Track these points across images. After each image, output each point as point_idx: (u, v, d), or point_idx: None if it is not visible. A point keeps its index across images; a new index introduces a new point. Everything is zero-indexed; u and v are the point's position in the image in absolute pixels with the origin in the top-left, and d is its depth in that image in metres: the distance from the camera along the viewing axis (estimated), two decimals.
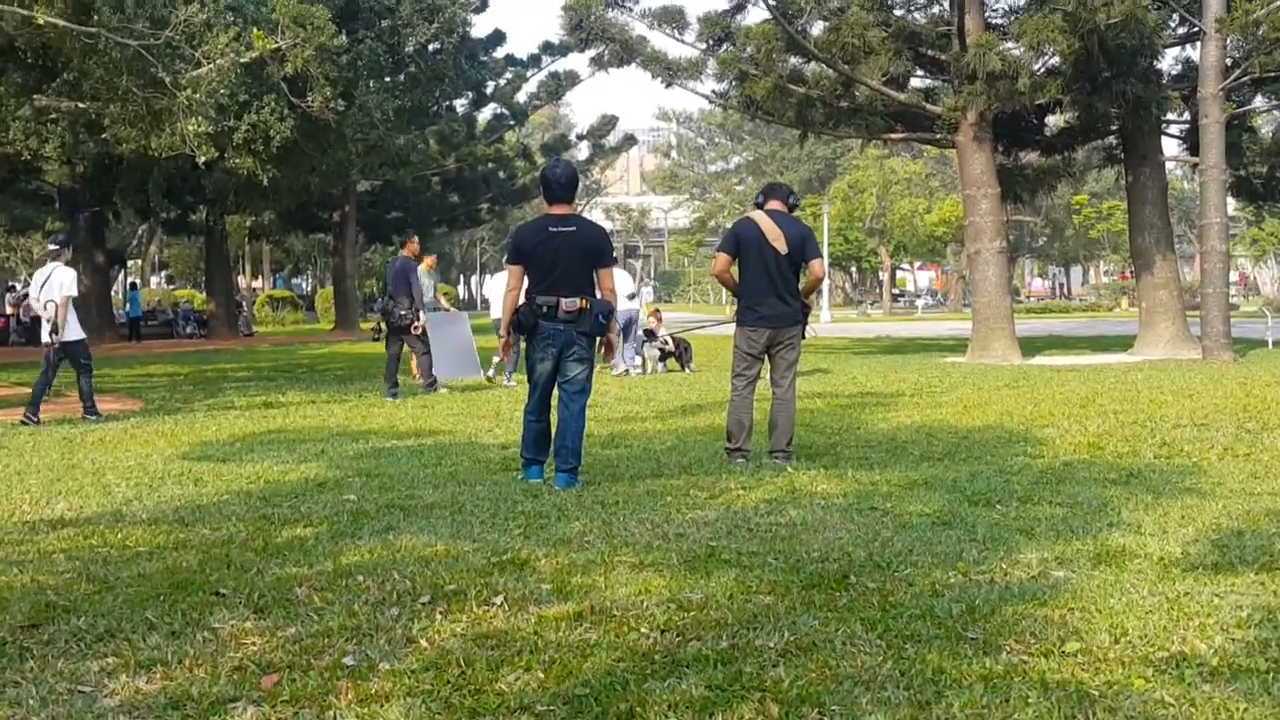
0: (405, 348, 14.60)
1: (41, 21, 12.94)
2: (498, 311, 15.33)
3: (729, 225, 8.86)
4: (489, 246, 79.27)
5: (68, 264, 13.17)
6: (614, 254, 7.55)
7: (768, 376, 8.19)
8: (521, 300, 7.25)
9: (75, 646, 3.96)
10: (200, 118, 14.68)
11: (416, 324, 14.06)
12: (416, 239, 15.19)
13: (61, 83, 15.57)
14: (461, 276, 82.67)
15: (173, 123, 14.67)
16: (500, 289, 15.26)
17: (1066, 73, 18.68)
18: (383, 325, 14.68)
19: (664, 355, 17.79)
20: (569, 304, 7.06)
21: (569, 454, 7.15)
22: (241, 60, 14.76)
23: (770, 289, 7.88)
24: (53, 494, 7.30)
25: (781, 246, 7.80)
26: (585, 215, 7.62)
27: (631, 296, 16.78)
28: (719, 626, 4.00)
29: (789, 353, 8.04)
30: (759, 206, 8.12)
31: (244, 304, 45.73)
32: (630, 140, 53.31)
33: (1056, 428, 9.51)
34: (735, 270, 8.07)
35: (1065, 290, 74.66)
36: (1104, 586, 4.45)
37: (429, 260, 17.98)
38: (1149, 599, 4.26)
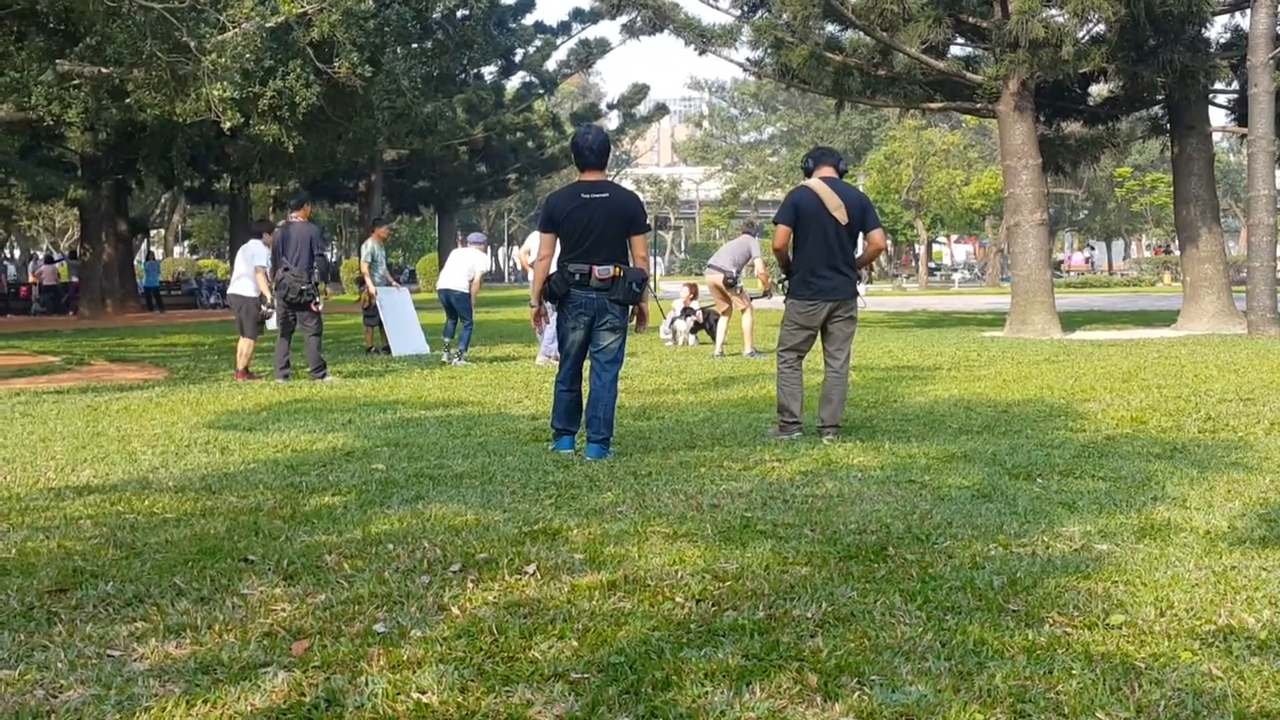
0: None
1: None
2: (459, 284, 15.01)
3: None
4: (517, 218, 79.29)
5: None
6: (648, 220, 7.45)
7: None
8: (553, 268, 7.19)
9: (103, 611, 3.93)
10: (225, 83, 14.64)
11: (317, 301, 12.77)
12: (308, 206, 13.53)
13: (84, 47, 15.53)
14: (490, 248, 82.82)
15: (197, 88, 14.64)
16: (462, 265, 15.14)
17: (1111, 40, 18.37)
18: (271, 300, 13.04)
19: (696, 327, 17.69)
20: (602, 271, 6.97)
21: (601, 424, 7.08)
22: (267, 25, 14.70)
23: (829, 261, 7.59)
24: (78, 461, 7.30)
25: (842, 216, 7.53)
26: (615, 183, 7.51)
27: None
28: (755, 597, 3.93)
29: (846, 326, 7.76)
30: (807, 173, 7.84)
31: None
32: (661, 110, 53.13)
33: (1098, 402, 9.37)
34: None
35: (1108, 265, 73.79)
36: (1149, 560, 4.35)
37: (381, 232, 17.98)
38: (1195, 573, 4.17)
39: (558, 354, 14.28)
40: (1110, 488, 5.77)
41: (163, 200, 52.46)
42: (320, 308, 12.82)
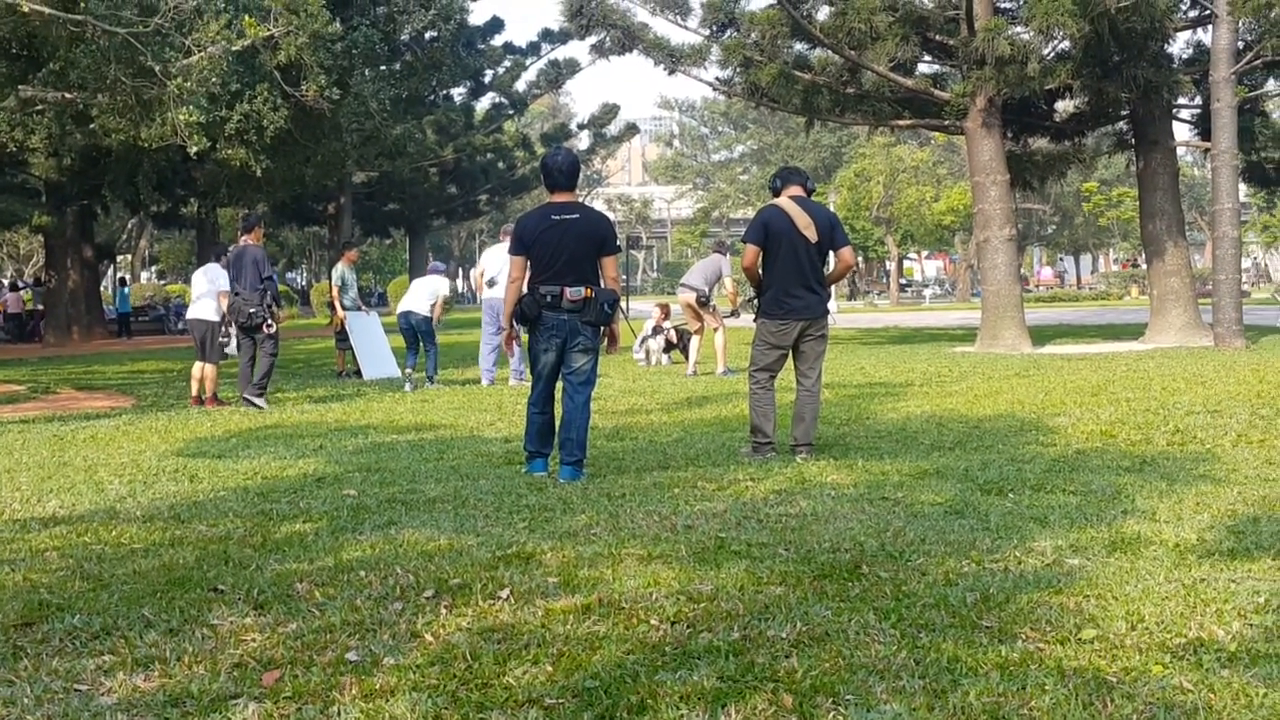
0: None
1: (26, 9, 12.76)
2: (420, 306, 14.93)
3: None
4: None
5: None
6: (619, 241, 7.45)
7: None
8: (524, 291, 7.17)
9: (70, 645, 3.88)
10: (191, 107, 14.53)
11: (270, 323, 12.54)
12: (259, 229, 13.07)
13: (48, 72, 15.40)
14: (460, 270, 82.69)
15: (163, 113, 14.54)
16: (424, 289, 15.08)
17: (1076, 57, 18.55)
18: (229, 328, 12.90)
19: (669, 346, 17.69)
20: (573, 293, 6.96)
21: (574, 446, 7.06)
22: (233, 48, 14.61)
23: (800, 279, 7.61)
24: (44, 491, 7.22)
25: (812, 235, 7.56)
26: (585, 204, 7.50)
27: (492, 284, 14.78)
28: (730, 618, 3.92)
29: (818, 345, 7.79)
30: (775, 192, 7.87)
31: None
32: (632, 129, 53.17)
33: (1068, 416, 9.42)
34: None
35: (1076, 279, 74.31)
36: (1119, 573, 4.37)
37: (351, 255, 17.93)
38: (1165, 585, 4.19)
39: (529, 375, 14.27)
40: (1081, 502, 5.81)
41: (129, 225, 52.12)
42: (274, 329, 12.61)
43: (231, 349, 13.19)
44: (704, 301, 15.54)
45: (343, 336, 17.36)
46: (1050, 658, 3.46)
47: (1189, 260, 21.22)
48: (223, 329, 12.97)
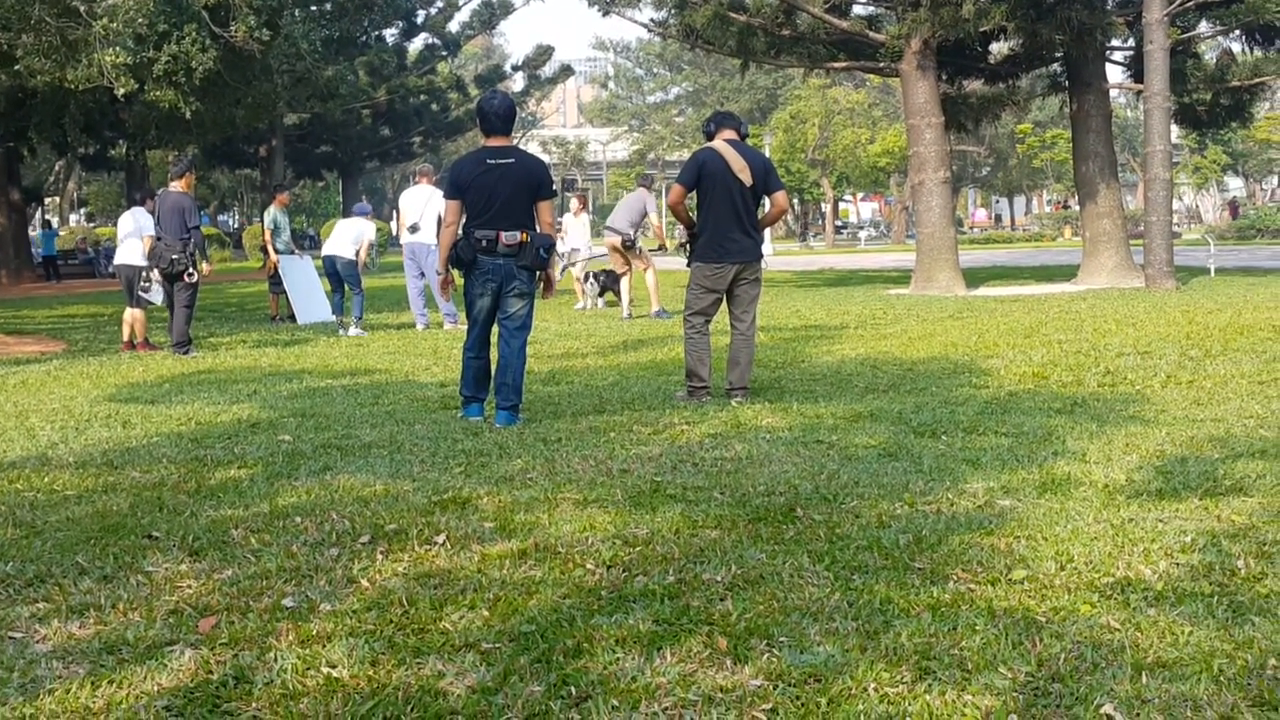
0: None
1: None
2: (344, 250, 14.48)
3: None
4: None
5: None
6: (553, 186, 7.40)
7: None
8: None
9: (4, 592, 3.85)
10: (118, 48, 14.23)
11: (191, 271, 12.11)
12: (190, 175, 12.57)
13: None
14: (395, 213, 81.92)
15: (89, 54, 14.21)
16: (349, 232, 14.62)
17: None
18: (149, 274, 12.60)
19: (602, 290, 17.57)
20: (509, 238, 6.91)
21: (510, 391, 7.05)
22: None
23: (736, 222, 7.61)
24: None
25: (747, 178, 7.55)
26: (521, 148, 7.43)
27: (414, 229, 14.71)
28: (665, 561, 3.95)
29: (752, 288, 7.80)
30: (709, 136, 7.84)
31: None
32: (566, 71, 52.77)
33: (1001, 358, 9.55)
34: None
35: (1010, 220, 75.00)
36: (1049, 515, 4.45)
37: (283, 198, 17.69)
38: (1094, 526, 4.27)
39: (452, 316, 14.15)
40: (1012, 444, 5.90)
41: (56, 168, 51.01)
42: (195, 279, 12.21)
43: (153, 296, 12.89)
44: (629, 245, 15.37)
45: (276, 281, 17.16)
46: (981, 598, 3.53)
47: (1121, 202, 21.47)
48: (144, 275, 12.72)
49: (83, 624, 3.53)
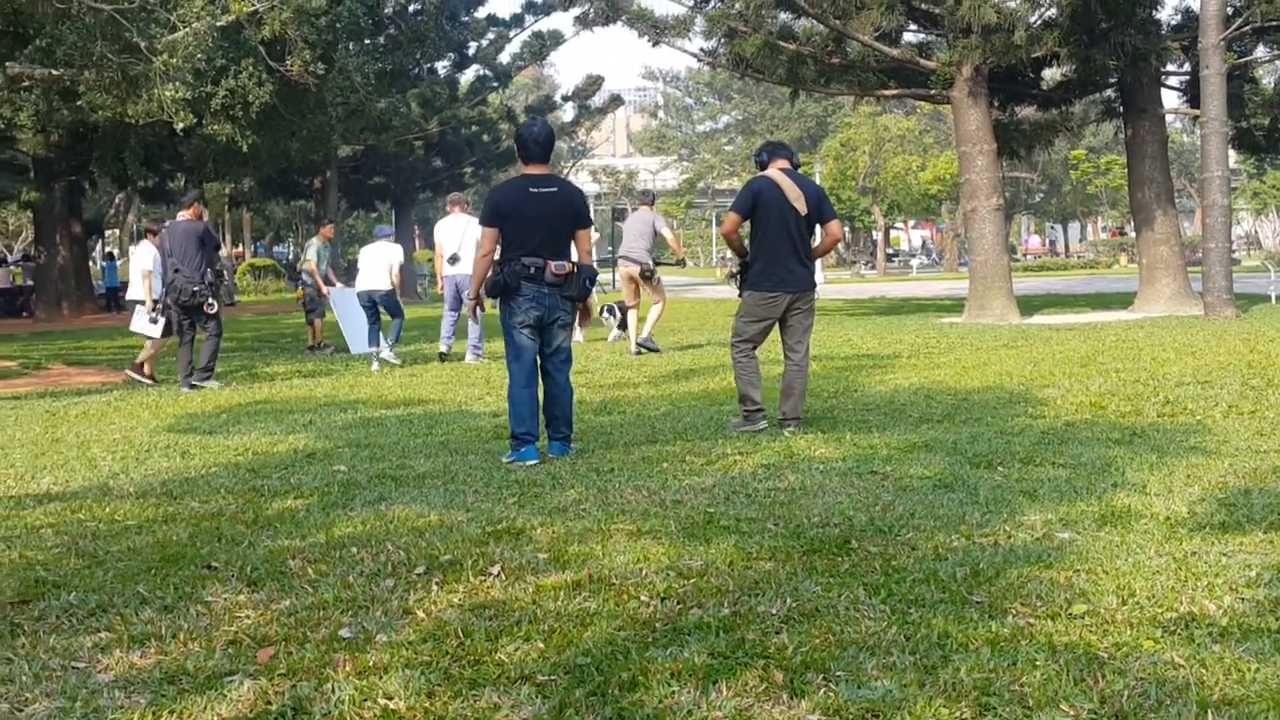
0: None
1: None
2: (380, 282, 14.14)
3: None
4: (475, 211, 78.84)
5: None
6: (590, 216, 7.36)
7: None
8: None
9: (67, 622, 3.90)
10: (177, 83, 14.49)
11: (211, 301, 12.01)
12: (198, 204, 12.80)
13: (34, 49, 15.38)
14: (432, 244, 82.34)
15: (149, 89, 14.48)
16: (380, 261, 14.22)
17: (1063, 25, 18.49)
18: (165, 306, 12.46)
19: (623, 324, 16.98)
20: (557, 267, 6.84)
21: (561, 424, 7.03)
22: (218, 24, 14.55)
23: (790, 252, 7.58)
24: (38, 468, 7.23)
25: (802, 207, 7.53)
26: (570, 177, 7.44)
27: (454, 260, 14.13)
28: (720, 594, 3.94)
29: (806, 318, 7.76)
30: (761, 165, 7.85)
31: (225, 273, 45.17)
32: (616, 101, 52.87)
33: (1057, 387, 9.44)
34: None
35: (1065, 247, 74.30)
36: (1110, 548, 4.39)
37: (326, 230, 17.80)
38: (1156, 559, 4.21)
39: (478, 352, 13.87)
40: (1070, 475, 5.82)
41: (116, 200, 51.85)
42: (215, 309, 12.11)
43: (149, 330, 12.63)
44: (648, 275, 14.25)
45: (312, 309, 17.33)
46: (1041, 633, 3.48)
47: (1178, 228, 21.20)
48: (156, 308, 12.53)
49: (144, 654, 3.57)
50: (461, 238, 14.05)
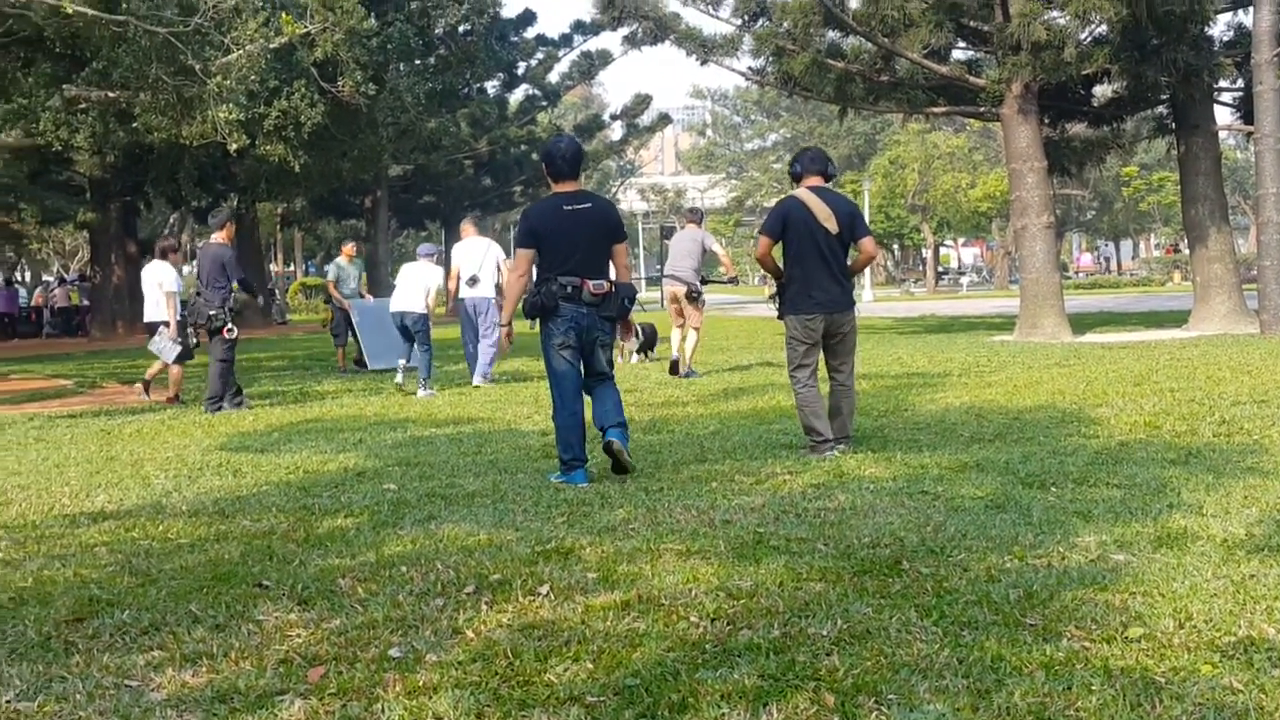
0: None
1: (70, 10, 12.99)
2: (414, 304, 13.33)
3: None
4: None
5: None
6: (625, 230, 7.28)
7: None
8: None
9: (120, 640, 3.94)
10: (231, 105, 14.67)
11: (231, 327, 11.85)
12: (230, 226, 12.56)
13: (91, 72, 15.66)
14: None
15: (203, 110, 14.69)
16: (416, 283, 13.42)
17: (1114, 41, 18.33)
18: (193, 330, 12.48)
19: (642, 347, 16.64)
20: (595, 286, 6.72)
21: (615, 412, 6.84)
22: (271, 46, 14.74)
23: (825, 272, 7.47)
24: (92, 486, 7.31)
25: (833, 226, 7.41)
26: (618, 196, 7.35)
27: (473, 281, 13.73)
28: (770, 614, 3.92)
29: (848, 338, 7.66)
30: (795, 177, 7.74)
31: (276, 292, 45.67)
32: (664, 119, 53.04)
33: (1110, 407, 9.33)
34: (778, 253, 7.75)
35: (1117, 265, 73.50)
36: (1166, 570, 4.33)
37: (348, 249, 17.85)
38: (1213, 582, 4.14)
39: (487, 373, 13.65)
40: (1125, 495, 5.75)
41: (171, 220, 52.56)
42: (234, 335, 11.88)
43: (166, 353, 12.63)
44: (694, 295, 13.72)
45: (338, 332, 17.46)
46: (1096, 657, 3.44)
47: (1233, 246, 20.91)
48: (187, 329, 12.50)
49: (195, 672, 3.59)
50: (482, 259, 13.73)
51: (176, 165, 27.95)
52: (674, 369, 13.79)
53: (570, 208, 6.79)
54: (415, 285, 13.60)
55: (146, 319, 13.08)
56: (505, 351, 7.42)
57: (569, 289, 6.70)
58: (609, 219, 6.94)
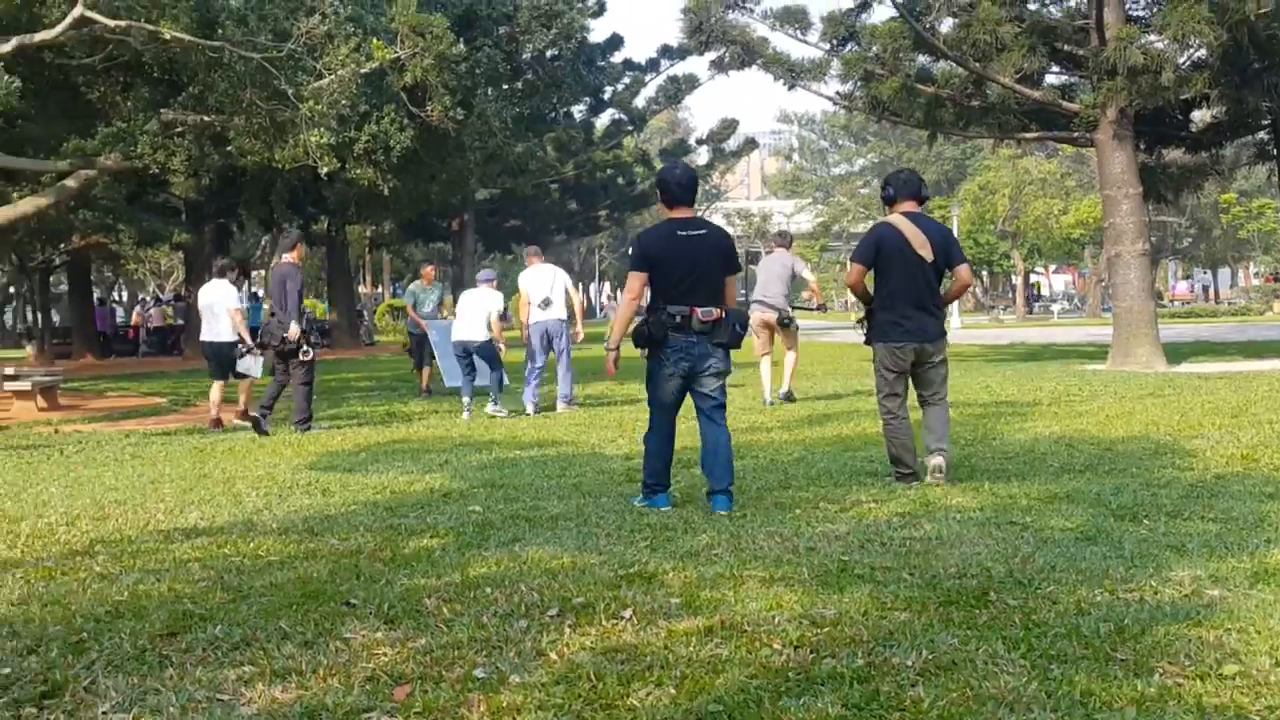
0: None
1: (167, 36, 13.36)
2: (477, 333, 13.47)
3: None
4: (608, 254, 79.70)
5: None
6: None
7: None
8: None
9: (212, 655, 4.01)
10: (322, 129, 14.92)
11: (306, 349, 11.99)
12: (300, 246, 12.81)
13: (187, 96, 16.05)
14: (581, 284, 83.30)
15: (295, 134, 14.97)
16: (478, 310, 13.55)
17: (1213, 65, 17.98)
18: (248, 344, 12.70)
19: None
20: (705, 314, 6.61)
21: (723, 472, 6.71)
22: (362, 71, 15.00)
23: (916, 300, 7.31)
24: (186, 503, 7.47)
25: (928, 253, 7.24)
26: (707, 219, 7.29)
27: (546, 304, 13.79)
28: (854, 643, 3.89)
29: (940, 368, 7.48)
30: (888, 201, 7.56)
31: (365, 313, 46.31)
32: (751, 144, 52.97)
33: (1206, 439, 9.11)
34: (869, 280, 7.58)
35: (1215, 293, 71.95)
36: (1263, 606, 4.22)
37: (428, 272, 18.08)
38: None
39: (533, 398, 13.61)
40: (1221, 530, 5.62)
41: (263, 242, 53.63)
42: (310, 356, 12.04)
43: (252, 370, 12.75)
44: (786, 321, 13.34)
45: (415, 356, 17.70)
46: (1189, 694, 3.36)
47: None
48: (241, 347, 12.61)
49: (285, 688, 3.65)
50: (552, 283, 13.78)
51: (269, 188, 28.52)
52: (789, 398, 13.57)
53: (685, 234, 6.73)
54: (478, 312, 13.69)
55: (203, 338, 13.19)
56: (610, 375, 7.36)
57: (678, 318, 6.62)
58: (723, 247, 6.85)
